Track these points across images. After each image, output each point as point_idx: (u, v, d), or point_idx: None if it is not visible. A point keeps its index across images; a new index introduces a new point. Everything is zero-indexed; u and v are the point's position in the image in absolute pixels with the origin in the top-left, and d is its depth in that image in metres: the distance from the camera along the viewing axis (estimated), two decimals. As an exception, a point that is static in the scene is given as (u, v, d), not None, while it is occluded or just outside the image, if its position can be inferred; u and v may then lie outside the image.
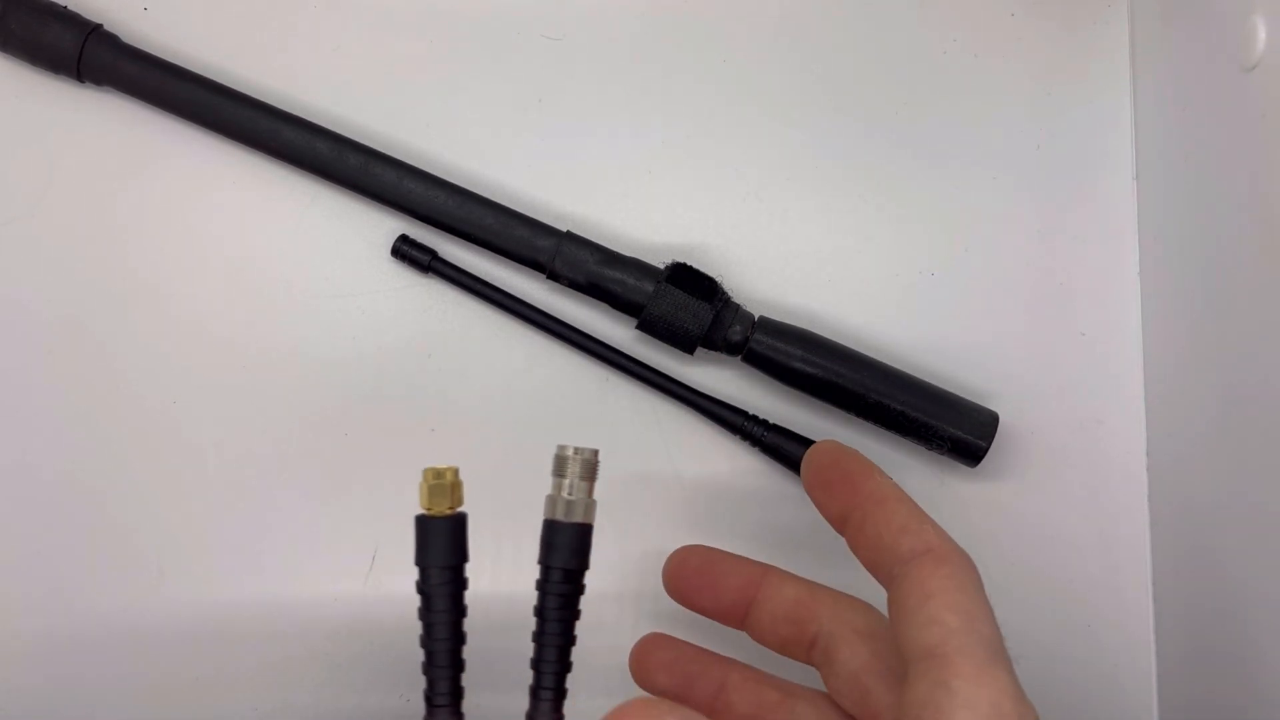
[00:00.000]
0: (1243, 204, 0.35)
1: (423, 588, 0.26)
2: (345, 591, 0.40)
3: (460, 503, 0.26)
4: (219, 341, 0.41)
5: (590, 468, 0.27)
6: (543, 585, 0.26)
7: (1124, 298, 0.42)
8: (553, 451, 0.40)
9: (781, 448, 0.39)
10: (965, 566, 0.26)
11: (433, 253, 0.41)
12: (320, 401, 0.41)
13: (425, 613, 0.26)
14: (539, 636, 0.26)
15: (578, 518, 0.26)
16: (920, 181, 0.43)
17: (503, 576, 0.40)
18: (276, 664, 0.39)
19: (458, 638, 0.26)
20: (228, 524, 0.40)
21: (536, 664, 0.26)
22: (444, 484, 0.26)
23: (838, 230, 0.43)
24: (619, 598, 0.40)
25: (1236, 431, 0.36)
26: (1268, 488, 0.34)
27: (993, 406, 0.40)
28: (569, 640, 0.26)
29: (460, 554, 0.26)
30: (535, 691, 0.26)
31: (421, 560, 0.26)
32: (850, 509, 0.29)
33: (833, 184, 0.43)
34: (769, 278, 0.42)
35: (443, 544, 0.26)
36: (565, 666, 0.26)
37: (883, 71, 0.44)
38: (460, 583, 0.26)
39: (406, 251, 0.41)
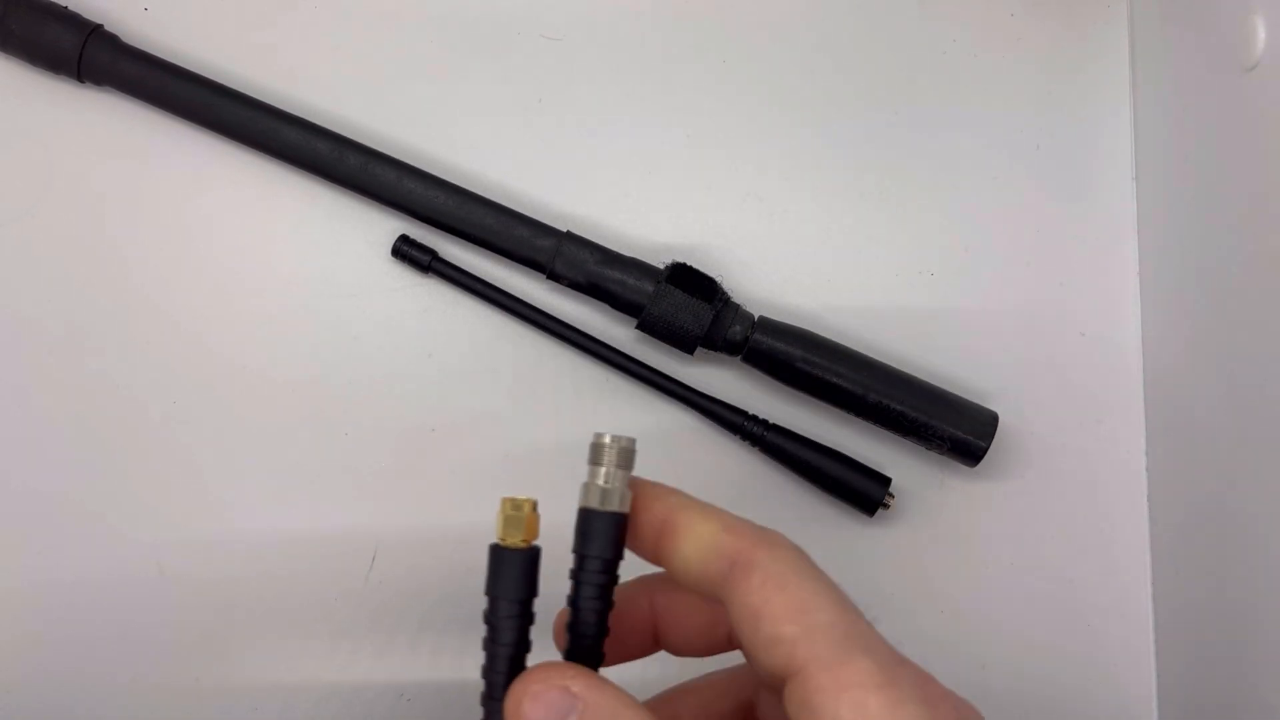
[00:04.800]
0: (1243, 204, 0.35)
1: (490, 618, 0.25)
2: (346, 591, 0.40)
3: (535, 536, 0.26)
4: (219, 341, 0.41)
5: (627, 456, 0.25)
6: (577, 574, 0.25)
7: (1124, 297, 0.42)
8: (560, 450, 0.40)
9: (781, 448, 0.39)
10: (774, 559, 0.23)
11: (433, 253, 0.41)
12: (320, 401, 0.41)
13: (490, 644, 0.25)
14: (572, 626, 0.25)
15: (614, 507, 0.25)
16: (920, 181, 0.43)
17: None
18: (276, 664, 0.39)
19: (519, 672, 0.25)
20: (227, 523, 0.40)
21: (569, 656, 0.25)
22: (520, 516, 0.25)
23: (838, 230, 0.43)
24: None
25: (1236, 431, 0.36)
26: (1268, 487, 0.34)
27: (992, 406, 0.40)
28: (603, 631, 0.25)
29: (530, 588, 0.25)
30: None
31: (491, 590, 0.25)
32: (650, 549, 0.26)
33: (833, 184, 0.43)
34: (769, 278, 0.42)
35: (514, 577, 0.25)
36: (599, 659, 0.25)
37: (883, 71, 0.44)
38: (528, 617, 0.25)
39: (406, 251, 0.41)
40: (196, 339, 0.41)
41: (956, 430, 0.38)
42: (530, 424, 0.41)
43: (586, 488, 0.25)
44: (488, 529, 0.41)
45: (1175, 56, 0.41)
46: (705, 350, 0.40)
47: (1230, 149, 0.36)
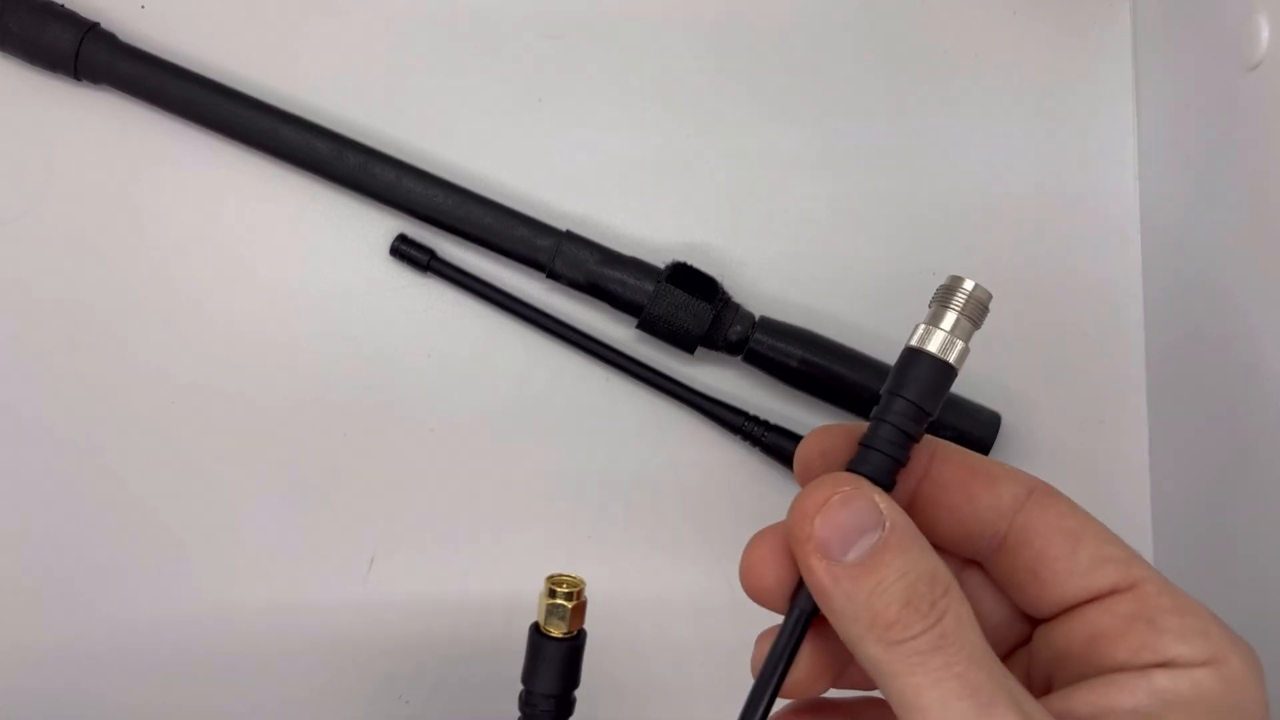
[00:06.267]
0: (1245, 203, 0.35)
1: (524, 708, 0.23)
2: (344, 594, 0.39)
3: (581, 622, 0.23)
4: (217, 341, 0.41)
5: (979, 309, 0.22)
6: (883, 412, 0.22)
7: (1126, 297, 0.42)
8: (560, 450, 0.40)
9: (782, 448, 0.39)
10: (1065, 495, 0.24)
11: (431, 252, 0.41)
12: (319, 402, 0.40)
13: None
14: (857, 467, 0.22)
15: (950, 357, 0.22)
16: (921, 180, 0.43)
17: (511, 580, 0.40)
18: (275, 667, 0.39)
19: None
20: (225, 526, 0.40)
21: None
22: (566, 606, 0.23)
23: (838, 230, 0.42)
24: (617, 597, 0.40)
25: (1238, 431, 0.35)
26: (1269, 487, 0.33)
27: (995, 406, 0.40)
28: (889, 486, 0.22)
29: (571, 681, 0.23)
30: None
31: (528, 681, 0.23)
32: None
33: (833, 183, 0.43)
34: (769, 277, 0.42)
35: (554, 670, 0.23)
36: (890, 481, 0.22)
37: (883, 71, 0.44)
38: (566, 709, 0.23)
39: (405, 251, 0.41)
40: (194, 338, 0.41)
41: (959, 430, 0.38)
42: (530, 424, 0.41)
43: (925, 329, 0.22)
44: (486, 530, 0.41)
45: (1178, 56, 0.41)
46: (705, 350, 0.40)
47: (1233, 148, 0.36)
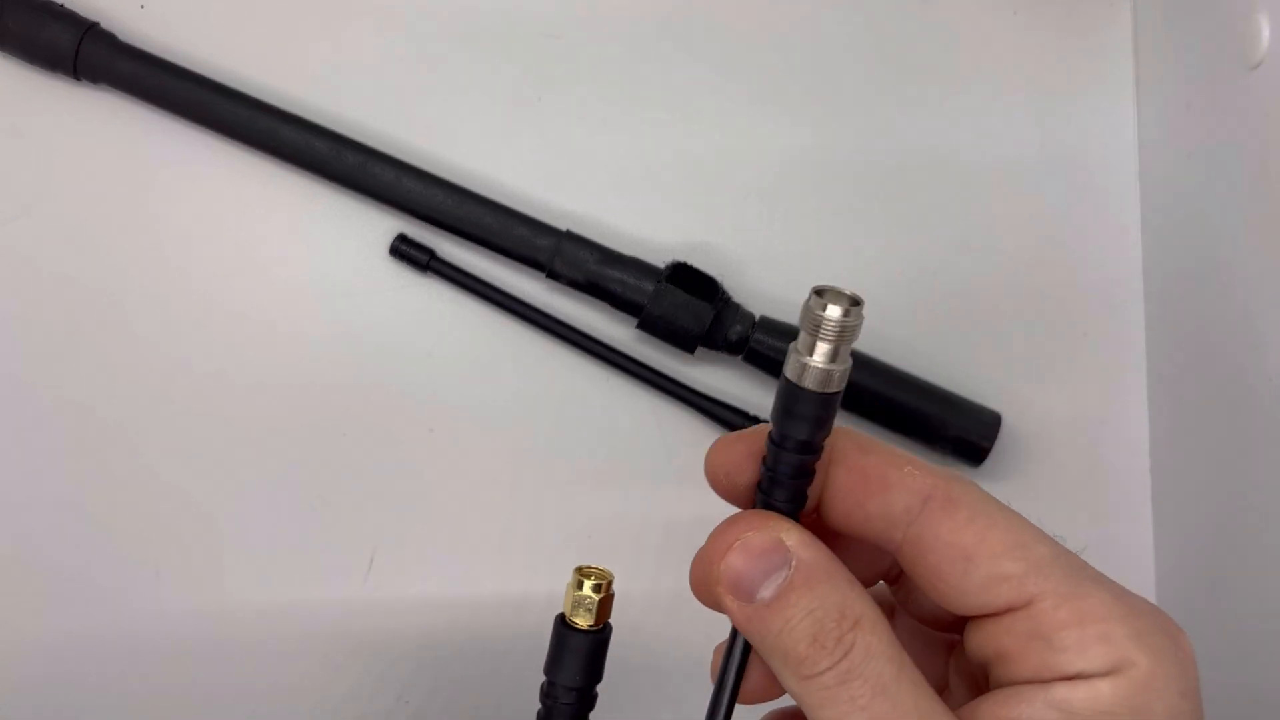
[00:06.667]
0: (1247, 202, 0.35)
1: (545, 700, 0.23)
2: (343, 593, 0.39)
3: (608, 615, 0.23)
4: (216, 341, 0.41)
5: (850, 332, 0.21)
6: (777, 445, 0.21)
7: (1127, 297, 0.42)
8: (560, 449, 0.40)
9: (782, 448, 0.39)
10: (976, 495, 0.22)
11: (431, 252, 0.41)
12: (318, 401, 0.40)
13: None
14: (765, 500, 0.22)
15: (825, 388, 0.21)
16: (922, 181, 0.43)
17: (510, 580, 0.40)
18: (274, 666, 0.39)
19: None
20: (224, 525, 0.40)
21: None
22: (594, 598, 0.23)
23: (838, 230, 0.42)
24: (617, 596, 0.40)
25: (1239, 431, 0.35)
26: (1270, 487, 0.33)
27: (995, 406, 0.39)
28: (801, 502, 0.22)
29: (595, 675, 0.23)
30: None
31: (551, 673, 0.23)
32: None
33: (834, 183, 0.43)
34: (769, 277, 0.42)
35: (578, 662, 0.23)
36: (799, 502, 0.22)
37: (884, 71, 0.44)
38: (588, 703, 0.23)
39: (405, 251, 0.41)
40: (193, 338, 0.41)
41: (959, 430, 0.38)
42: (530, 424, 0.41)
43: (796, 358, 0.21)
44: (485, 529, 0.41)
45: (1179, 55, 0.41)
46: (705, 350, 0.40)
47: (1234, 147, 0.36)
